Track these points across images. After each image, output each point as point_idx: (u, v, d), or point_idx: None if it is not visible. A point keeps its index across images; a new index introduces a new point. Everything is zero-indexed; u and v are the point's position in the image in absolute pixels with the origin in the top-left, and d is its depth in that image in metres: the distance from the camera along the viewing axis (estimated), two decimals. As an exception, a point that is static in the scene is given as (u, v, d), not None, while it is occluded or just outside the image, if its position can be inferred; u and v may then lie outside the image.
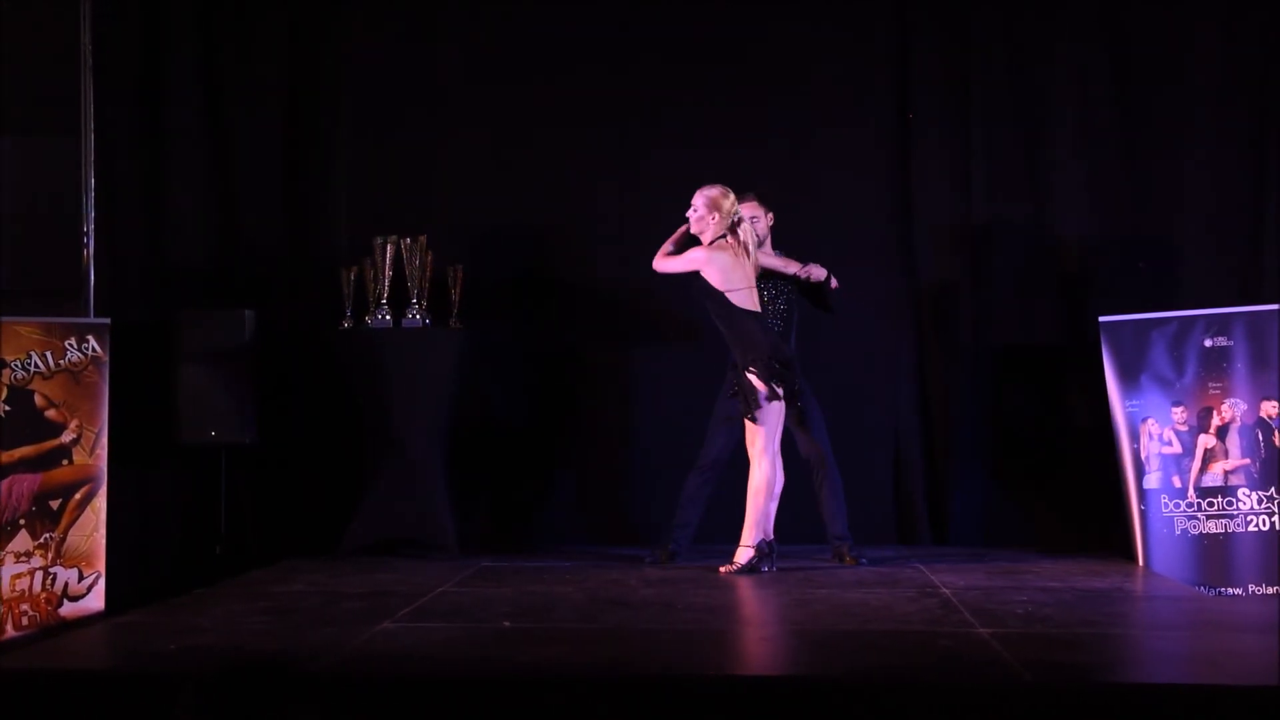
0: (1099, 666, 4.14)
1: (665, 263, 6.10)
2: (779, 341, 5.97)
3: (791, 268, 6.22)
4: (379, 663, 4.10)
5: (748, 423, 5.89)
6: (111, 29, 6.91)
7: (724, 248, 5.93)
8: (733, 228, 5.94)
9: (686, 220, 6.04)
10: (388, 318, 6.65)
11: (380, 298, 6.67)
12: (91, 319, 6.42)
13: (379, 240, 6.65)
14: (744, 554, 5.87)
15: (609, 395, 7.18)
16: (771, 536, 5.90)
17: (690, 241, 6.05)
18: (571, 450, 7.19)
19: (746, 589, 5.57)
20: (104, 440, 6.10)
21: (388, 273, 6.66)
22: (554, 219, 7.13)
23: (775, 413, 5.86)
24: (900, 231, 7.14)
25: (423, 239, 6.69)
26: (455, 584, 5.63)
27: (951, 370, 7.10)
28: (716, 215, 5.93)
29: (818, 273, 6.22)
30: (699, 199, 5.97)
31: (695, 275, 5.95)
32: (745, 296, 5.92)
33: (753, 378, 5.80)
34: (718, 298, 5.90)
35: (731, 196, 5.96)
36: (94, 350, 6.13)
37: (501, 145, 7.15)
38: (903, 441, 7.09)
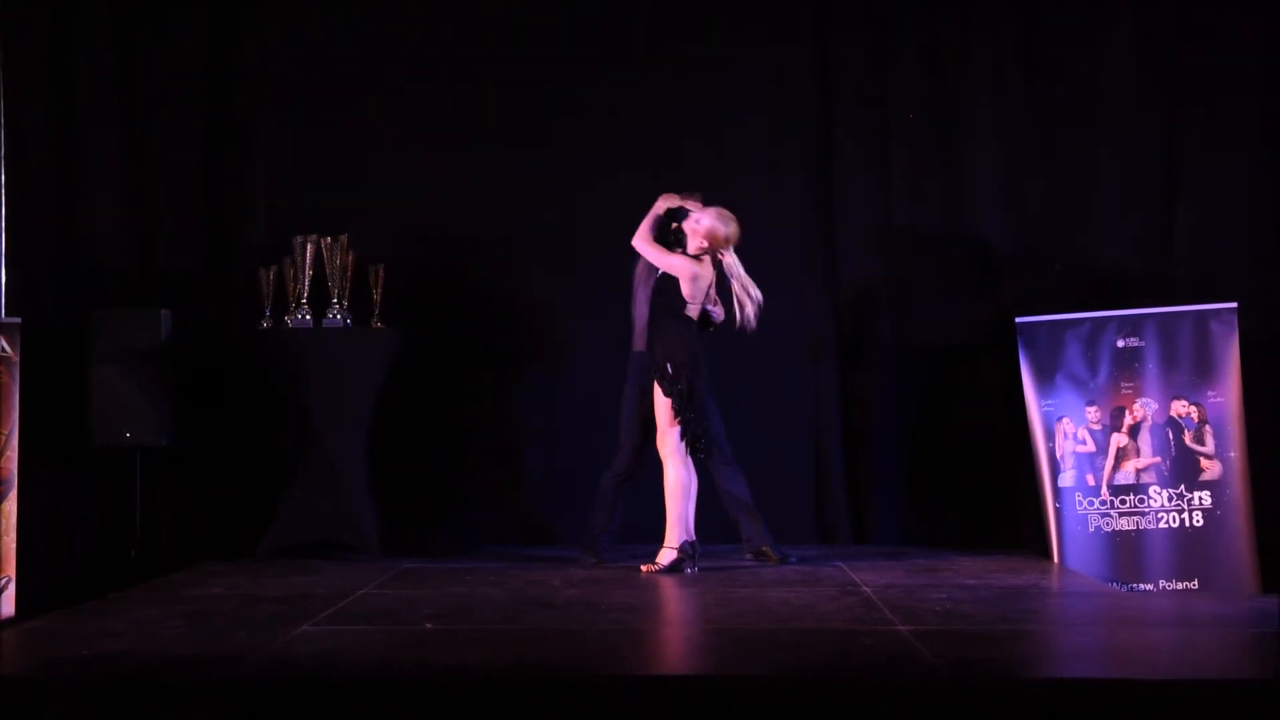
0: (1015, 662, 4.20)
1: (646, 247, 6.04)
2: (700, 359, 5.97)
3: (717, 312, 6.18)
4: (298, 666, 4.05)
5: (658, 424, 5.93)
6: (22, 25, 6.77)
7: (705, 264, 5.97)
8: (723, 245, 5.97)
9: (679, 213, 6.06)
10: (308, 317, 6.58)
11: (300, 297, 6.60)
12: (2, 319, 6.29)
13: (299, 239, 6.58)
14: (666, 555, 5.89)
15: (533, 395, 7.16)
16: (694, 537, 5.92)
17: (665, 224, 6.06)
18: (495, 451, 7.16)
19: (669, 588, 5.59)
20: (15, 443, 5.98)
21: (308, 272, 6.59)
22: (475, 219, 7.10)
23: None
24: (821, 233, 7.20)
25: (344, 238, 6.63)
26: (377, 586, 5.59)
27: (871, 370, 7.18)
28: (713, 240, 5.95)
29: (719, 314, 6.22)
30: (705, 215, 5.97)
31: (657, 270, 6.00)
32: (696, 310, 5.97)
33: (662, 380, 5.85)
34: (675, 305, 5.93)
35: (734, 225, 5.98)
36: (4, 350, 6.01)
37: (423, 145, 7.10)
38: (823, 441, 7.15)
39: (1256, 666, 4.23)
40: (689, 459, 5.94)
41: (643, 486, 6.23)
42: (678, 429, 5.90)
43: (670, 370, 5.87)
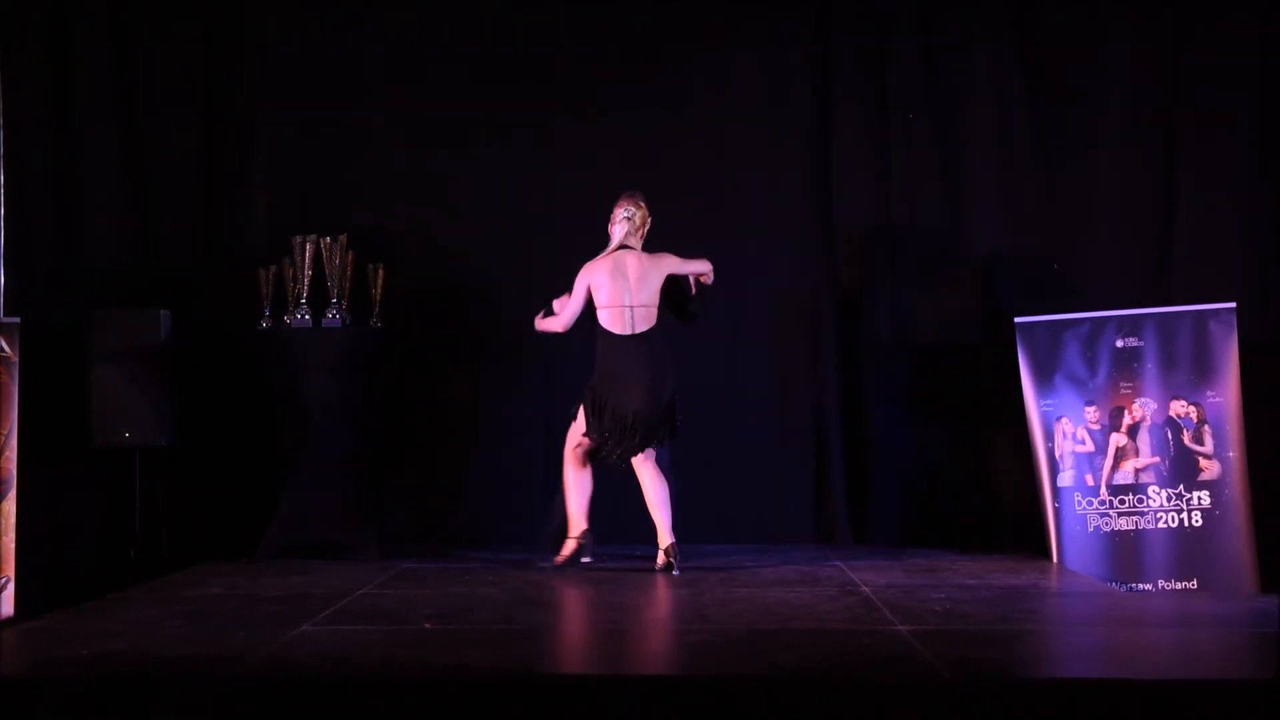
0: (1015, 662, 4.21)
1: (549, 324, 6.21)
2: (611, 369, 5.99)
3: (691, 266, 6.12)
4: (298, 666, 4.06)
5: None
6: (22, 25, 6.77)
7: (604, 263, 6.04)
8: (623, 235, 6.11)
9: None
10: (307, 317, 6.58)
11: (300, 297, 6.60)
12: (2, 319, 6.28)
13: (299, 239, 6.58)
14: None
15: (532, 395, 7.15)
16: (585, 526, 6.08)
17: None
18: (494, 451, 7.15)
19: (667, 589, 5.59)
20: (14, 443, 5.97)
21: (308, 272, 6.59)
22: (475, 218, 7.11)
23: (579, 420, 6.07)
24: (821, 233, 7.19)
25: (343, 238, 6.63)
26: (376, 586, 5.59)
27: (871, 370, 7.17)
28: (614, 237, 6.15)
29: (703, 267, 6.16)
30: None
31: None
32: (613, 313, 6.00)
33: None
34: (595, 315, 6.04)
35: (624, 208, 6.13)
36: (4, 350, 6.00)
37: (423, 144, 7.11)
38: (823, 441, 7.14)
39: (1256, 666, 4.24)
40: (573, 458, 6.07)
41: (636, 487, 6.21)
42: (572, 429, 6.08)
43: (588, 393, 6.00)
